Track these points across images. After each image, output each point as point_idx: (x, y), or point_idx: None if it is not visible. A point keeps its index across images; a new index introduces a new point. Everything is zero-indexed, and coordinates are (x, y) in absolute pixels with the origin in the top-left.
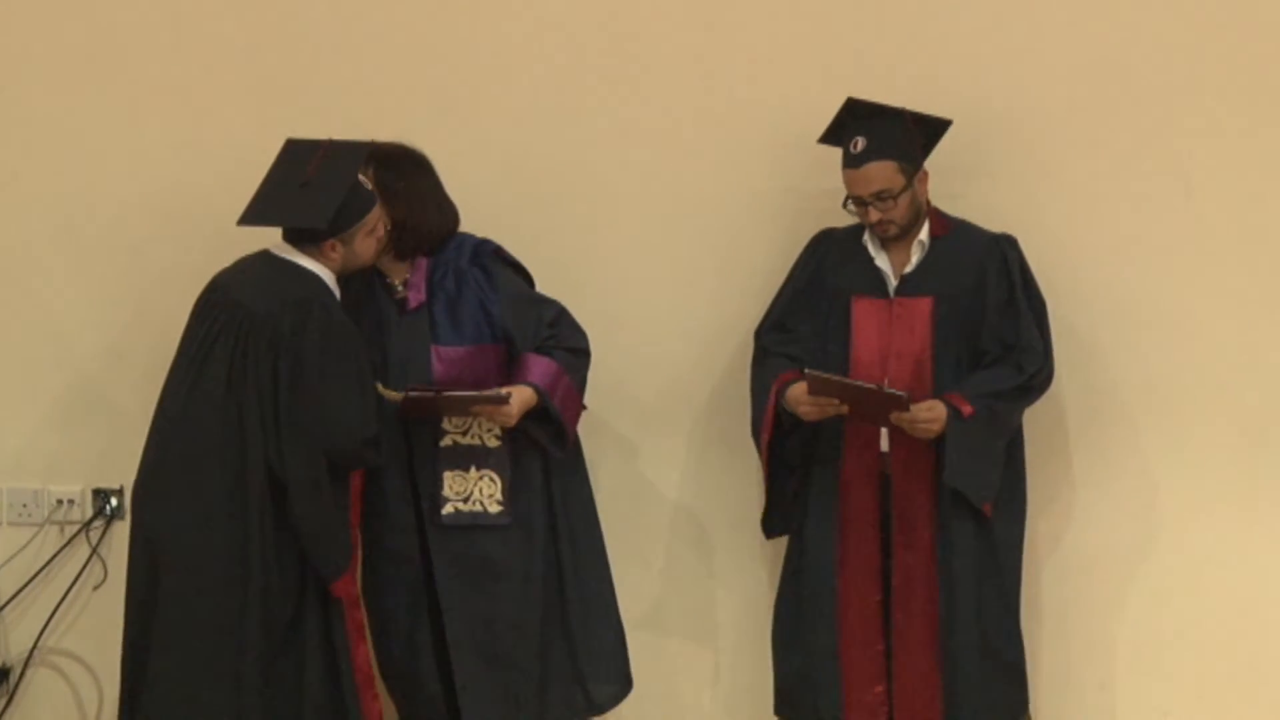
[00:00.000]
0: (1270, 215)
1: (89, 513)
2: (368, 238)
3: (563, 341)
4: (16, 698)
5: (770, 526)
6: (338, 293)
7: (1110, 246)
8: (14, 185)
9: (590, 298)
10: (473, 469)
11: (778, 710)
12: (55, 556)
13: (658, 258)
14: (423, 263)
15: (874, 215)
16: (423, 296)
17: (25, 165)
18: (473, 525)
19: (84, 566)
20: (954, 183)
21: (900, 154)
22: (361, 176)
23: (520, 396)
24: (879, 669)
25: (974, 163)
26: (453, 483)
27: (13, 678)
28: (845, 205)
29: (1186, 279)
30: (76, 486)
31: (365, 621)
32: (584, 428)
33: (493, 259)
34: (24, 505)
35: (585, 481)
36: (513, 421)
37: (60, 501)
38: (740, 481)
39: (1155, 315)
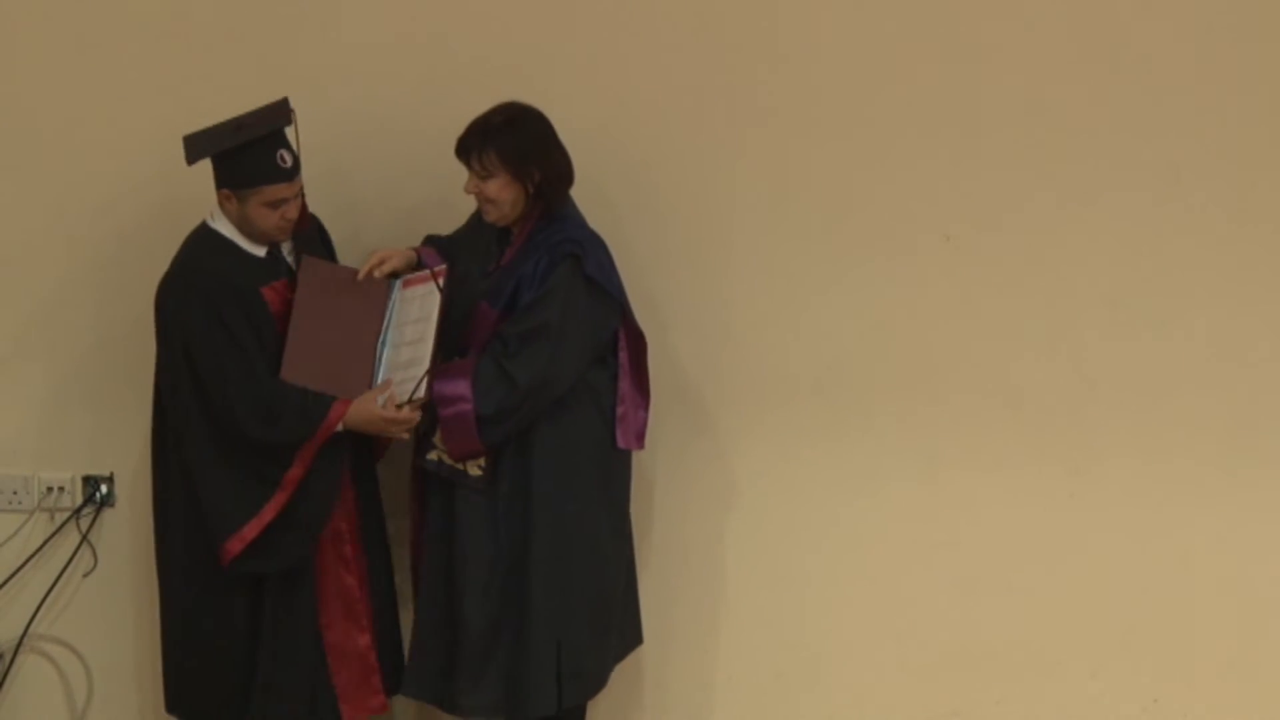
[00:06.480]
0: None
1: (79, 500)
2: (264, 208)
3: (506, 357)
4: (6, 684)
5: None
6: (256, 250)
7: None
8: (3, 174)
9: None
10: None
11: None
12: (45, 544)
13: None
14: (529, 228)
15: None
16: (509, 258)
17: (14, 154)
18: (450, 480)
19: (74, 554)
20: None
21: None
22: (487, 157)
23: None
24: None
25: None
26: None
27: (2, 665)
28: None
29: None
30: (66, 473)
31: (354, 555)
32: None
33: (567, 259)
34: (14, 492)
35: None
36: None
37: (50, 488)
38: None
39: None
